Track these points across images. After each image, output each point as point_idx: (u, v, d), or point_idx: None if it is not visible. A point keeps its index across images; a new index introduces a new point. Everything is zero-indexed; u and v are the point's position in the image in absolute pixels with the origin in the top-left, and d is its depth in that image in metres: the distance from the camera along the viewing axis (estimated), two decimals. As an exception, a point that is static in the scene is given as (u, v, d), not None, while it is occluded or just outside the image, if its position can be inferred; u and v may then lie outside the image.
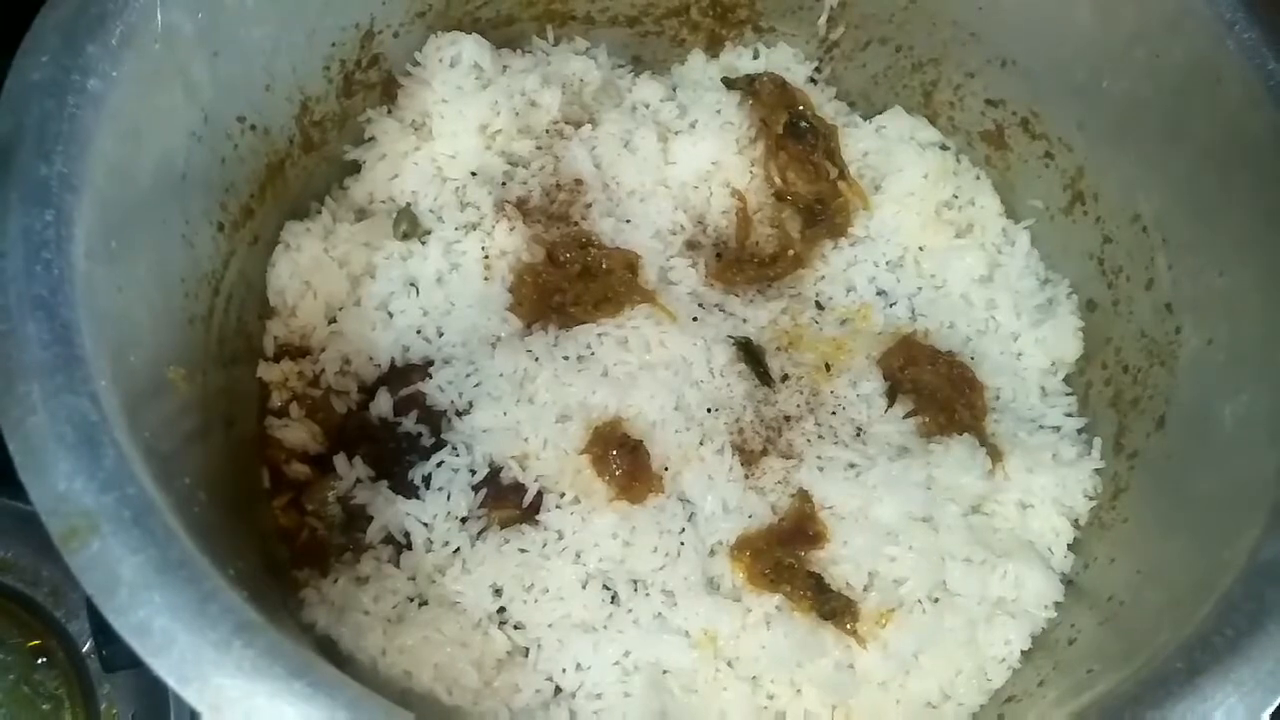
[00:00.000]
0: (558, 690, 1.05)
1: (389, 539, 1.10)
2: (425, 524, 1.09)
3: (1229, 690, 0.76)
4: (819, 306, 1.30)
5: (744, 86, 1.37)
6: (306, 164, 1.23)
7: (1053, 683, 1.03)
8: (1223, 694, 0.76)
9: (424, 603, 1.07)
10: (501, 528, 1.10)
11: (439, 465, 1.11)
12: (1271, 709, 0.76)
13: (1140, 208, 1.17)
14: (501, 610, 1.07)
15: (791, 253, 1.32)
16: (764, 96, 1.36)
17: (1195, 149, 1.08)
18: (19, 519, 1.23)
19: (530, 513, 1.11)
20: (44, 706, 1.24)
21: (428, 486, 1.11)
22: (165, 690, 1.20)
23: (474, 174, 1.27)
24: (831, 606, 1.08)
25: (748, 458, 1.16)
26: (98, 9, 0.88)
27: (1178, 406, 1.09)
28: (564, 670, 1.05)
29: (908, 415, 1.21)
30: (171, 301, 1.00)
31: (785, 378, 1.22)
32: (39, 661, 1.25)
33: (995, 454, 1.18)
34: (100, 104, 0.86)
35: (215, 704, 0.67)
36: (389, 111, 1.29)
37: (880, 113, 1.41)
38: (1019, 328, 1.29)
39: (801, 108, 1.37)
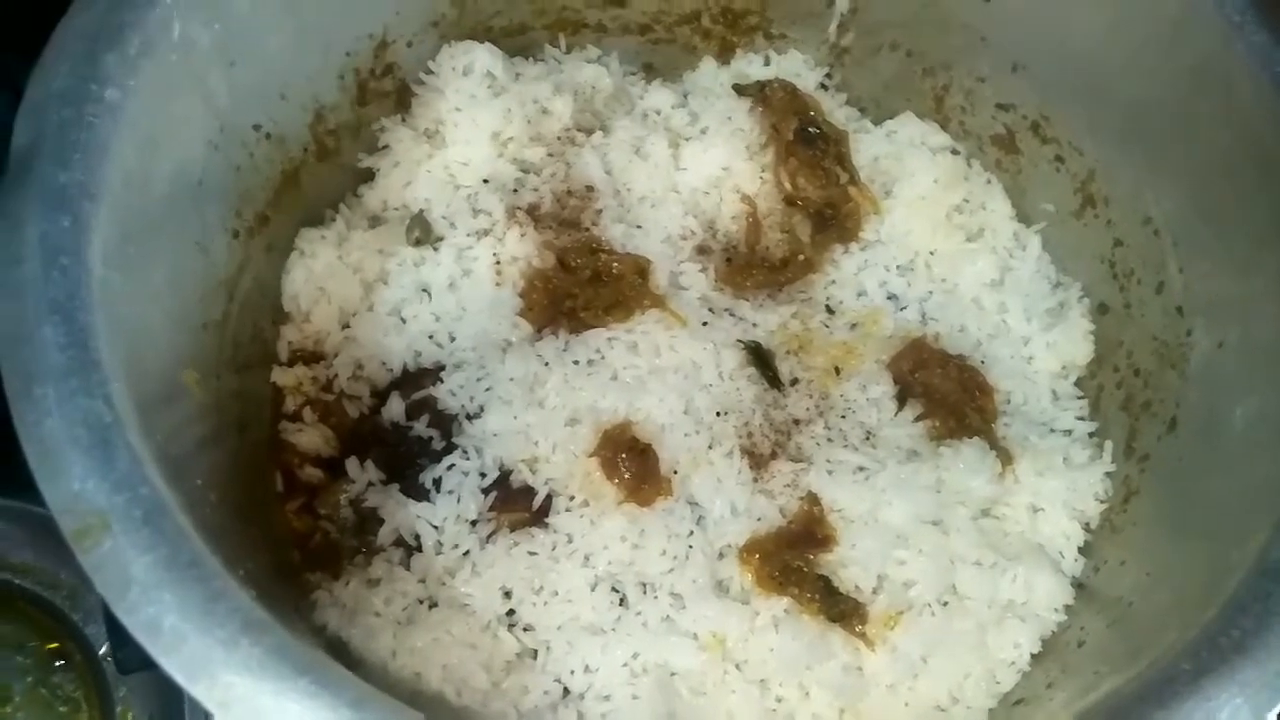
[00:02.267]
0: (566, 692, 1.06)
1: (400, 542, 1.11)
2: (436, 527, 1.10)
3: (1234, 691, 0.76)
4: (829, 310, 1.31)
5: (755, 93, 1.38)
6: (321, 172, 1.25)
7: (1061, 685, 1.02)
8: (1228, 694, 0.75)
9: (434, 605, 1.08)
10: (511, 530, 1.11)
11: (449, 468, 1.12)
12: (1277, 710, 0.75)
13: (1151, 211, 1.17)
14: (511, 612, 1.08)
15: (802, 257, 1.33)
16: (774, 103, 1.36)
17: (1206, 152, 1.08)
18: (38, 524, 1.25)
19: (540, 516, 1.11)
20: (61, 709, 1.26)
21: (438, 490, 1.12)
22: (181, 692, 1.22)
23: (486, 181, 1.28)
24: (840, 609, 1.08)
25: (757, 461, 1.16)
26: (116, 20, 0.90)
27: (1188, 409, 1.09)
28: (572, 672, 1.06)
29: (918, 419, 1.21)
30: (186, 307, 1.02)
31: (795, 381, 1.23)
32: (57, 664, 1.27)
33: (1005, 457, 1.18)
34: (118, 113, 0.88)
35: (223, 701, 0.68)
36: (403, 120, 1.31)
37: (891, 118, 1.41)
38: (1030, 331, 1.29)
39: (812, 114, 1.37)
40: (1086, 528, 1.17)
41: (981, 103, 1.35)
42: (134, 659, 0.99)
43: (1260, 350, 1.00)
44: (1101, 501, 1.17)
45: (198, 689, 0.68)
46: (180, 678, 0.68)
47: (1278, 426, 0.93)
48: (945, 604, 1.10)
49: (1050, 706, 0.99)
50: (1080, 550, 1.17)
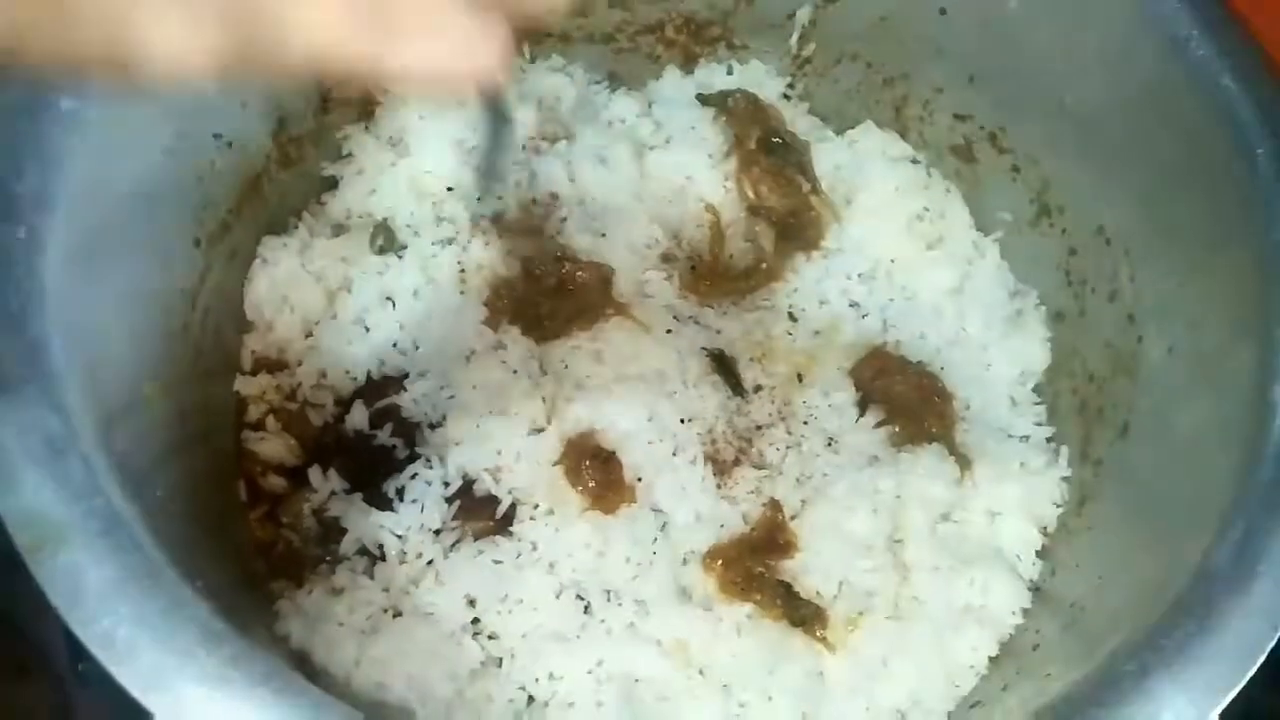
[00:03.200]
0: (531, 700, 1.06)
1: (363, 551, 1.11)
2: (399, 536, 1.10)
3: (1177, 692, 0.77)
4: (792, 318, 1.32)
5: (718, 103, 1.39)
6: (284, 180, 1.24)
7: (1016, 687, 1.04)
8: (1171, 696, 0.77)
9: (398, 614, 1.07)
10: (475, 539, 1.11)
11: (413, 478, 1.12)
12: (1219, 710, 0.77)
13: (1104, 220, 1.19)
14: (475, 621, 1.07)
15: (764, 266, 1.34)
16: (737, 113, 1.37)
17: (1154, 163, 1.10)
18: (-3, 534, 1.23)
19: (503, 524, 1.11)
20: (23, 723, 1.24)
21: (402, 499, 1.12)
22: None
23: (450, 189, 1.28)
24: (801, 614, 1.10)
25: (720, 468, 1.17)
26: (72, 29, 0.90)
27: (1139, 415, 1.11)
28: (537, 680, 1.06)
29: (878, 425, 1.22)
30: (146, 317, 1.01)
31: (758, 389, 1.24)
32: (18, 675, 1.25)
33: (964, 463, 1.20)
34: (73, 123, 0.88)
35: (178, 712, 0.67)
36: (366, 128, 1.31)
37: (852, 127, 1.43)
38: (988, 339, 1.31)
39: (774, 124, 1.38)
40: (1043, 532, 1.19)
41: (940, 113, 1.37)
42: (97, 672, 0.98)
43: (1206, 356, 1.02)
44: (1057, 506, 1.19)
45: (151, 700, 0.68)
46: (135, 689, 0.68)
47: (1223, 432, 0.95)
48: (905, 609, 1.12)
49: (1005, 708, 1.01)
50: (1037, 554, 1.18)
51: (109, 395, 0.89)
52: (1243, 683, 0.79)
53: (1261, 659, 0.79)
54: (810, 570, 1.12)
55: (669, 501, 1.14)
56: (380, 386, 1.20)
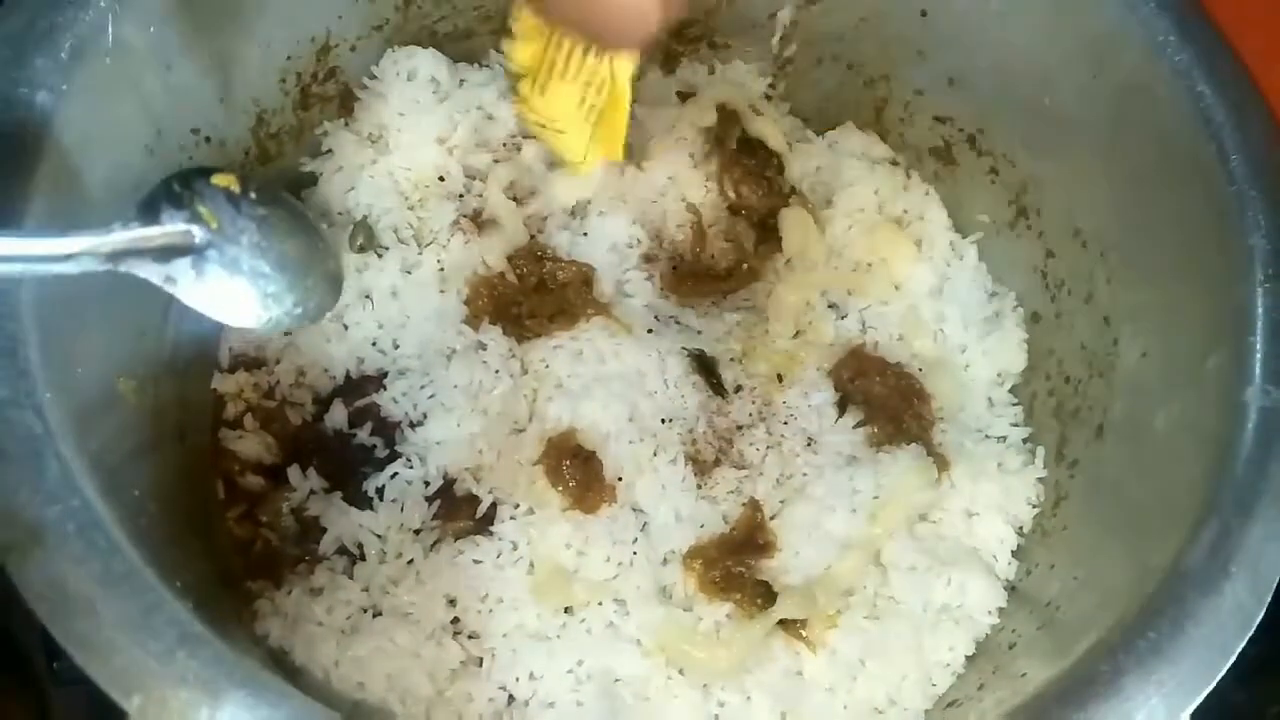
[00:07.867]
0: (511, 699, 1.06)
1: (343, 550, 1.11)
2: (379, 535, 1.10)
3: (1150, 691, 0.79)
4: (772, 319, 1.32)
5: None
6: (262, 176, 1.23)
7: (991, 687, 1.05)
8: (1144, 695, 0.79)
9: (378, 613, 1.07)
10: (455, 539, 1.11)
11: (393, 477, 1.12)
12: (1191, 709, 0.79)
13: (1080, 222, 1.20)
14: (455, 620, 1.07)
15: (745, 266, 1.34)
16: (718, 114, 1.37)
17: (1131, 166, 1.12)
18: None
19: (484, 524, 1.11)
20: (-5, 723, 1.23)
21: (381, 498, 1.12)
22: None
23: (429, 187, 1.28)
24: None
25: (700, 468, 1.18)
26: (47, 22, 0.89)
27: (1114, 416, 1.12)
28: (517, 679, 1.06)
29: (857, 425, 1.23)
30: (123, 313, 1.00)
31: (738, 389, 1.24)
32: (-10, 676, 1.24)
33: (942, 463, 1.21)
34: (50, 118, 0.87)
35: (157, 716, 0.67)
36: (346, 124, 1.30)
37: (833, 129, 1.44)
38: (966, 340, 1.32)
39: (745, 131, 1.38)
40: (1019, 531, 1.20)
41: (920, 115, 1.38)
42: (72, 671, 0.98)
43: (1180, 359, 1.03)
44: (1033, 506, 1.20)
45: (131, 704, 0.67)
46: (114, 692, 0.68)
47: (1196, 433, 0.97)
48: (882, 608, 1.12)
49: (982, 707, 1.02)
50: (1013, 554, 1.20)
51: (84, 393, 0.88)
52: (1214, 682, 0.80)
53: (1233, 659, 0.81)
54: (790, 570, 1.13)
55: (649, 501, 1.14)
56: (359, 385, 1.19)
